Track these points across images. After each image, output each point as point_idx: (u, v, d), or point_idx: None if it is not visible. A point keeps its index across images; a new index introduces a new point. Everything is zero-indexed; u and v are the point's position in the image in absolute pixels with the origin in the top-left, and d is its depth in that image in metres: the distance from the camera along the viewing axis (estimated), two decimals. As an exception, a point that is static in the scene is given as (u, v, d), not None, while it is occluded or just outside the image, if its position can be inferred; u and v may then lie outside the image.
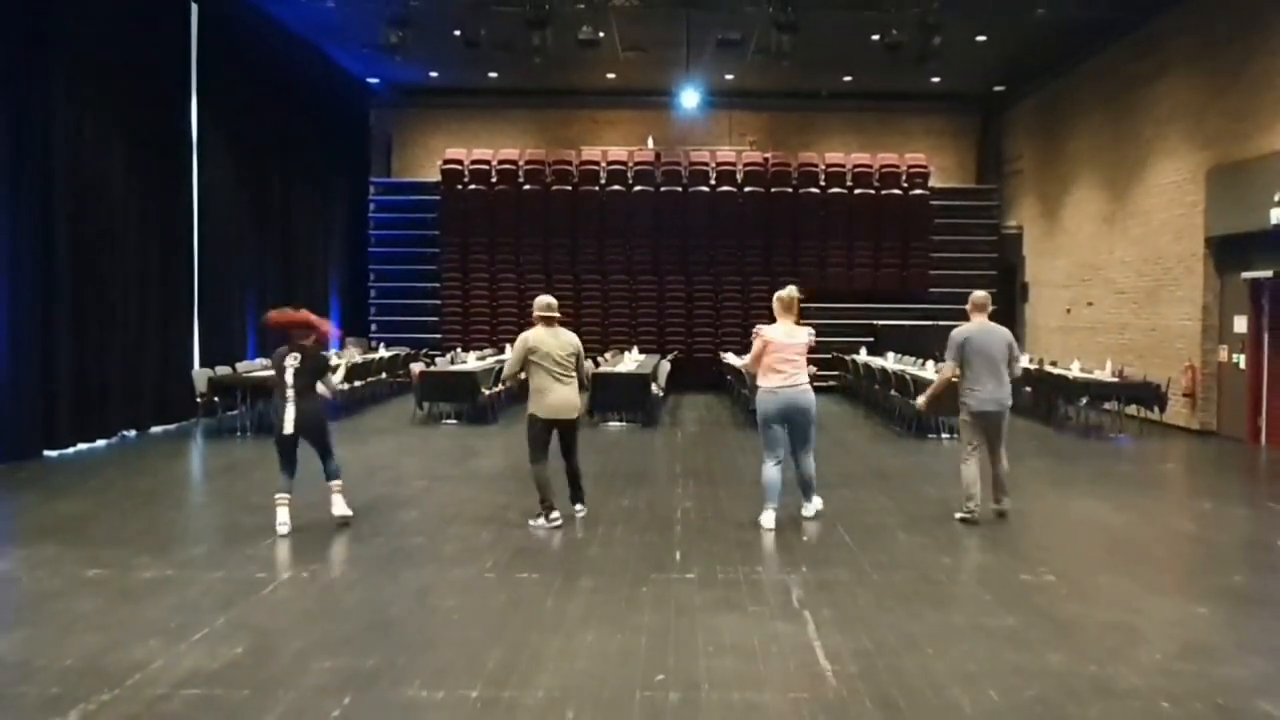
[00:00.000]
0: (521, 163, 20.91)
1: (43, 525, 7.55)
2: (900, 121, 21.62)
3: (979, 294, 8.08)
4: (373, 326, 20.71)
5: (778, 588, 6.02)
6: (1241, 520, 8.42)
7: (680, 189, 20.78)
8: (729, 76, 19.10)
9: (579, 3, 14.49)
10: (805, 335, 7.59)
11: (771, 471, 7.50)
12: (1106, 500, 8.87)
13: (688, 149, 21.04)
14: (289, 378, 7.23)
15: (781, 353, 7.42)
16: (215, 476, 10.33)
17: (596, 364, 15.78)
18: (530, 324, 7.61)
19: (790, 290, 7.65)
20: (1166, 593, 6.06)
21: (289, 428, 7.20)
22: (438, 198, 20.71)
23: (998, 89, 20.35)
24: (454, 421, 13.97)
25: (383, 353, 17.73)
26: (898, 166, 20.95)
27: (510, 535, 7.33)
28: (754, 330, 7.73)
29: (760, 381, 7.51)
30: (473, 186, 20.76)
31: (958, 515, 7.77)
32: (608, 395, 13.96)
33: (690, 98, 18.63)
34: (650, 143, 21.23)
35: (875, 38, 15.50)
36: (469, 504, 8.47)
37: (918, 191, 20.84)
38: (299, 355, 7.32)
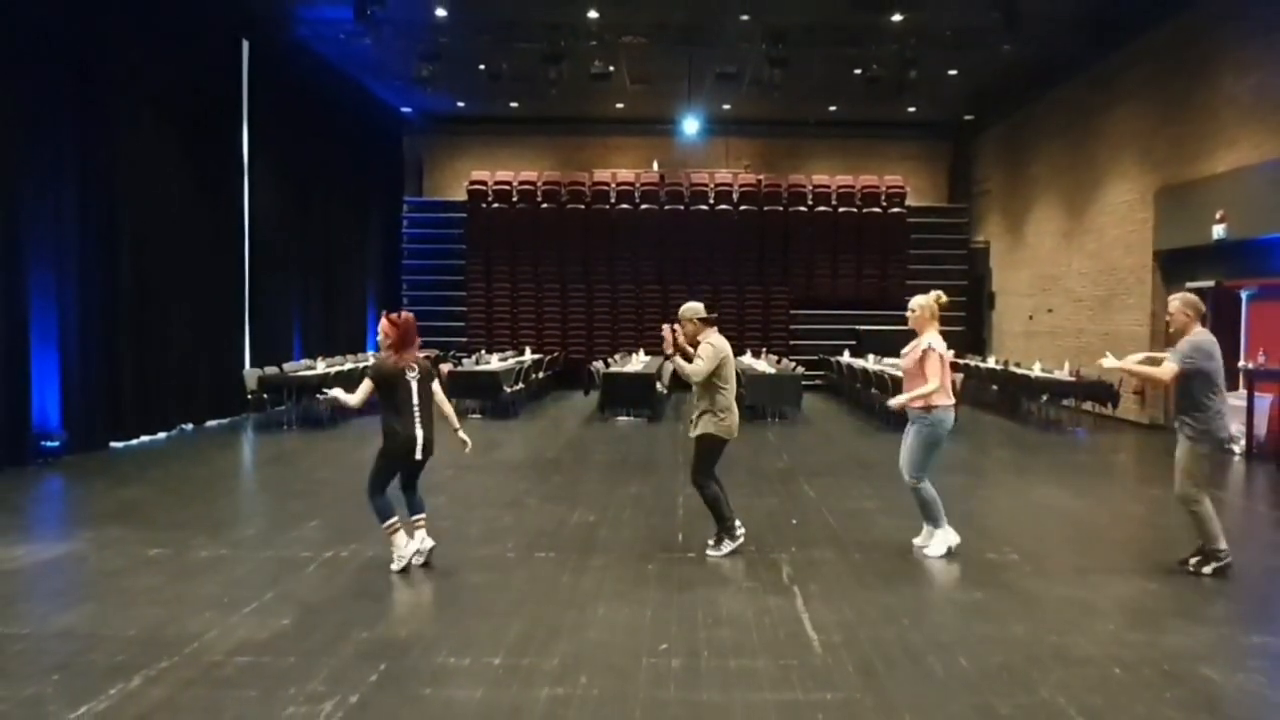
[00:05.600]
0: (539, 184, 20.92)
1: (109, 510, 7.57)
2: (880, 147, 21.59)
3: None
4: (405, 331, 20.75)
5: (769, 566, 6.01)
6: (1187, 506, 8.37)
7: (682, 207, 20.78)
8: (726, 106, 19.12)
9: (591, 40, 14.51)
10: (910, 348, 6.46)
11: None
12: (1065, 487, 8.84)
13: (689, 171, 21.04)
14: (415, 394, 5.62)
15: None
16: (264, 466, 10.34)
17: (607, 364, 15.78)
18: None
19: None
20: (1119, 570, 6.04)
21: (420, 453, 5.65)
22: (464, 215, 20.75)
23: (967, 118, 20.33)
24: (478, 416, 13.96)
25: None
26: (877, 187, 20.94)
27: (529, 519, 7.32)
28: (927, 346, 6.38)
29: (942, 399, 6.35)
30: (496, 205, 20.78)
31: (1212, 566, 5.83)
32: (617, 393, 14.03)
33: (691, 125, 18.62)
34: (655, 166, 21.24)
35: (857, 72, 15.53)
36: (492, 491, 8.48)
37: (895, 210, 20.80)
38: (415, 367, 5.69)
